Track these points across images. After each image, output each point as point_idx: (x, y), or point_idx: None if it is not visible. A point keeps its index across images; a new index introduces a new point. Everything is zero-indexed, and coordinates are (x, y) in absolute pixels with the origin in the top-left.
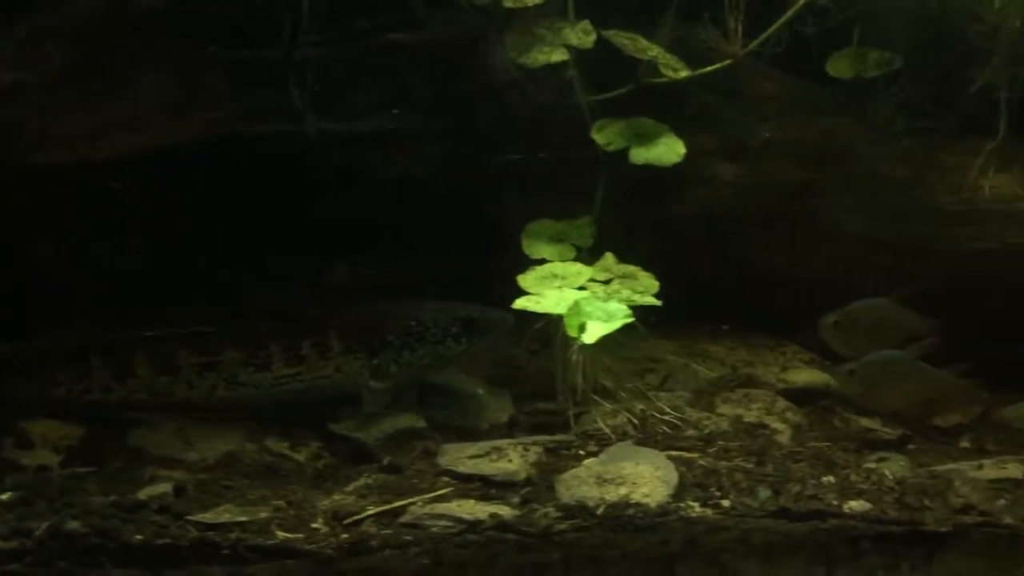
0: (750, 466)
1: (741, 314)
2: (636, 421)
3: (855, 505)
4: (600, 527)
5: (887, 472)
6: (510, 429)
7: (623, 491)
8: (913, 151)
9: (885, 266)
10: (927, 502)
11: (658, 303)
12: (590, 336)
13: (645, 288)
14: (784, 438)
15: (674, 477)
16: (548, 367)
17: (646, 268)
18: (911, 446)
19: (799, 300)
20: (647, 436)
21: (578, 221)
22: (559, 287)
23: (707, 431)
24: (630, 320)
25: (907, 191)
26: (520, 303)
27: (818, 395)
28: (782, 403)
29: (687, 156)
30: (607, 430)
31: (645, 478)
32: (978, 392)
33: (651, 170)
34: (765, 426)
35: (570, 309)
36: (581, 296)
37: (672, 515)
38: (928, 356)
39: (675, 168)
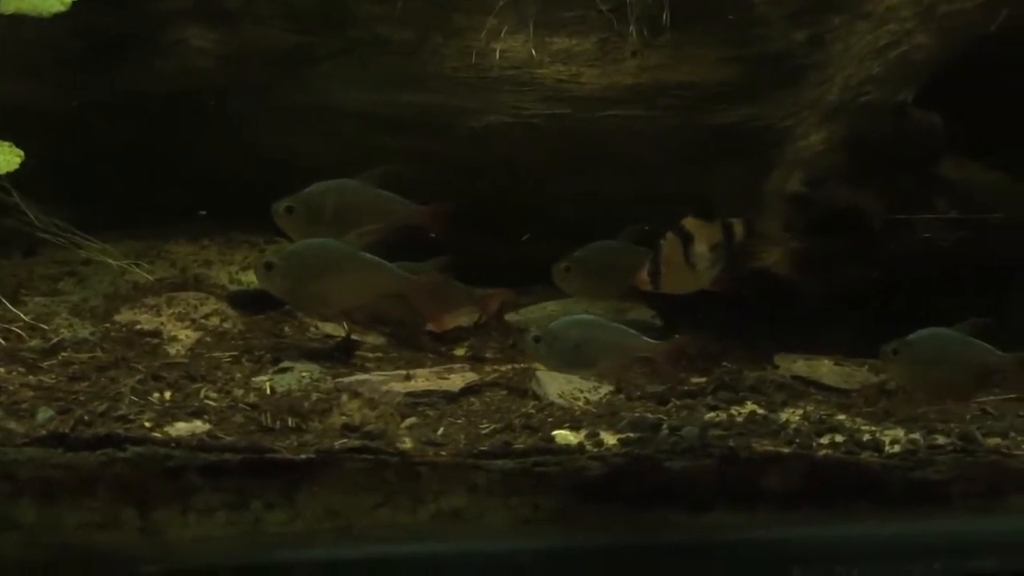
0: (56, 381)
1: (228, 205)
2: None
3: (182, 428)
4: None
5: (268, 387)
6: None
7: None
8: (419, 11)
9: (389, 145)
10: (295, 422)
11: None
12: None
13: None
14: (177, 348)
15: None
16: None
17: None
18: (374, 354)
19: (296, 186)
20: None
21: None
22: None
23: (58, 340)
24: None
25: (411, 57)
26: None
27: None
28: (211, 307)
29: (151, 19)
30: None
31: None
32: (471, 291)
33: (103, 33)
34: (158, 334)
35: None
36: None
37: None
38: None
39: (134, 32)
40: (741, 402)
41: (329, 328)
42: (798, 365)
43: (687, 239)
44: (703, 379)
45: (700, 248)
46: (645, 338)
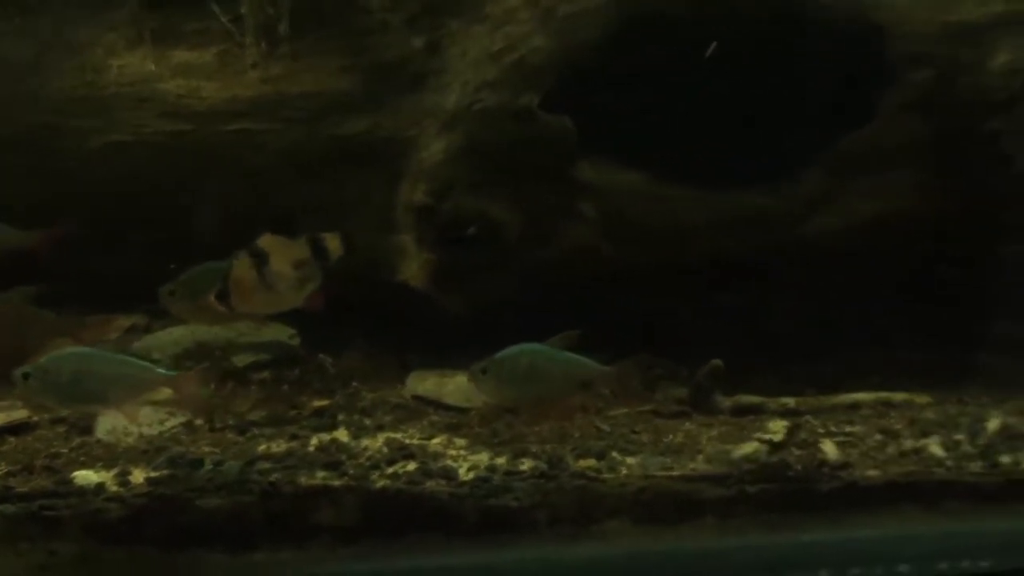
0: None
1: None
2: None
3: None
4: None
5: None
6: None
7: None
8: (36, 26)
9: (6, 165)
10: None
11: None
12: None
13: None
14: None
15: None
16: None
17: None
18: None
19: None
20: None
21: None
22: None
23: None
24: None
25: (30, 75)
26: None
27: None
28: None
29: None
30: None
31: None
32: (61, 321)
33: None
34: None
35: None
36: None
37: None
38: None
39: None
40: (331, 428)
41: None
42: (428, 383)
43: (261, 258)
44: (326, 402)
45: (278, 267)
46: (157, 370)
